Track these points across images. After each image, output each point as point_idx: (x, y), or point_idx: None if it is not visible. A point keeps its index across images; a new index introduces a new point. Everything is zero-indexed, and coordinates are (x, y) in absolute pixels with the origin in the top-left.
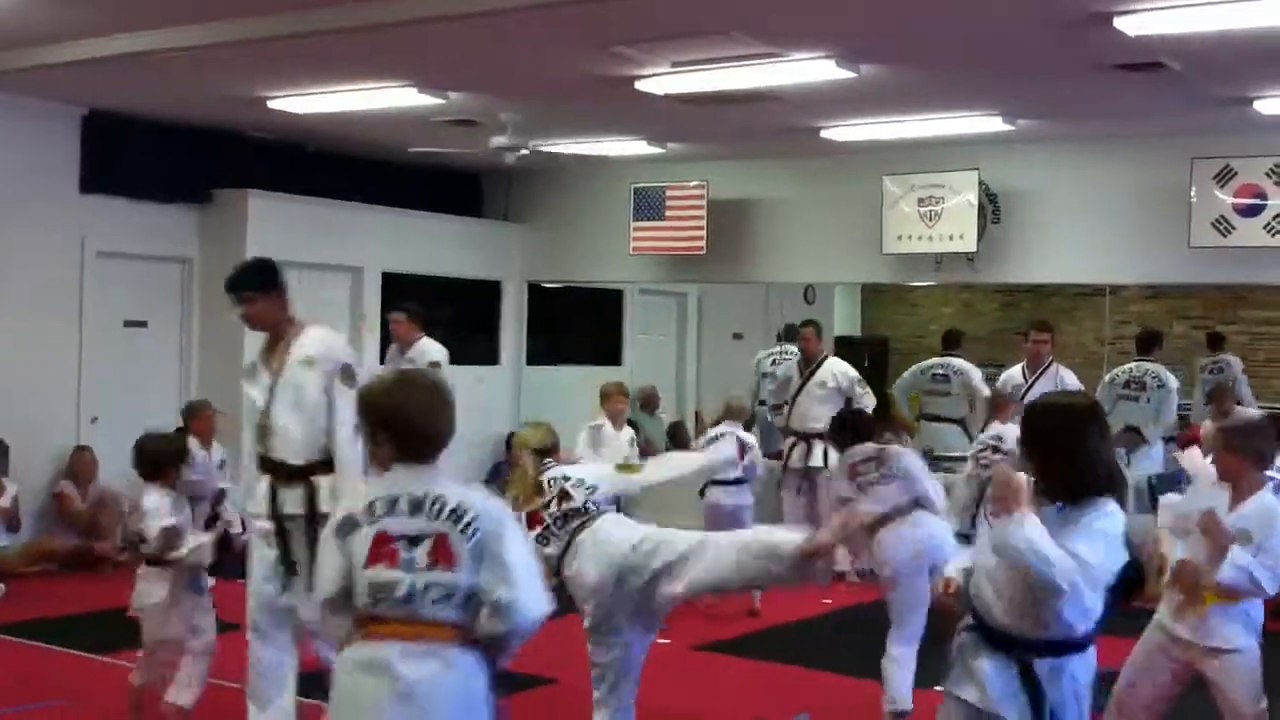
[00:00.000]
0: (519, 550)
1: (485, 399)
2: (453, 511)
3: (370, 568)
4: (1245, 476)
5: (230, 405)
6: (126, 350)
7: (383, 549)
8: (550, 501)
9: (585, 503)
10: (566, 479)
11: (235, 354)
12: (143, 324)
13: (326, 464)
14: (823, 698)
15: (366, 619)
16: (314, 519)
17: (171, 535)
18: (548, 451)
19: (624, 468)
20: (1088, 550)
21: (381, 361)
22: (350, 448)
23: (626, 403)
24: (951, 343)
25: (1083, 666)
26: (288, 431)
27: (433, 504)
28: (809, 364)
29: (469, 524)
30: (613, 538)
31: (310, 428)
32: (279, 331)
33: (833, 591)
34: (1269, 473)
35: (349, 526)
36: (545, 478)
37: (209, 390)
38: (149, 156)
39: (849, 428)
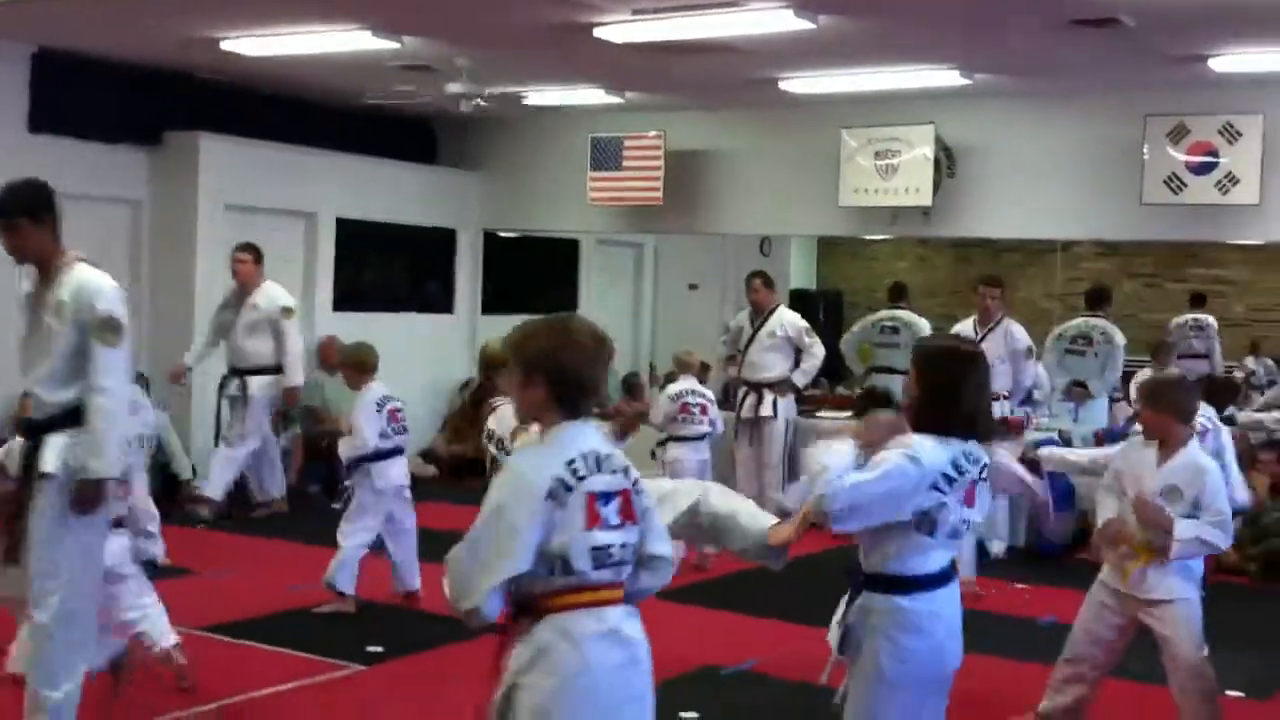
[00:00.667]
0: (654, 505)
1: (440, 347)
2: (626, 468)
3: (590, 530)
4: (1170, 432)
5: (183, 348)
6: None
7: (593, 510)
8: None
9: None
10: None
11: (189, 298)
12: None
13: (67, 419)
14: (771, 646)
15: (575, 587)
16: (29, 480)
17: None
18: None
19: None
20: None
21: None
22: (105, 415)
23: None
24: (898, 295)
25: (903, 608)
26: (34, 382)
27: (608, 459)
28: (759, 314)
29: (638, 480)
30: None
31: (53, 381)
32: (47, 268)
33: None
34: (1203, 420)
35: (560, 489)
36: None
37: (162, 332)
38: (99, 96)
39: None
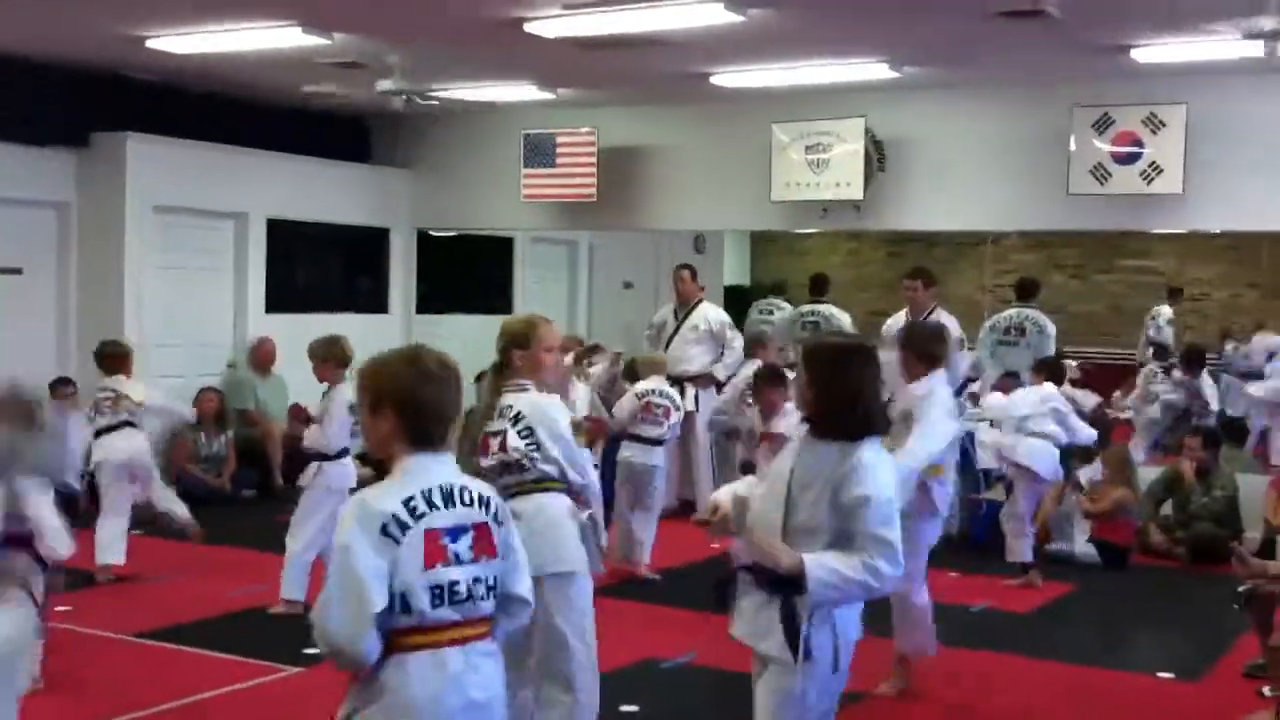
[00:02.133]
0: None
1: (375, 348)
2: (486, 499)
3: (432, 568)
4: (916, 372)
5: None
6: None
7: (435, 546)
8: (498, 434)
9: (530, 455)
10: (517, 420)
11: (117, 302)
12: (18, 270)
13: None
14: (710, 638)
15: (415, 627)
16: None
17: None
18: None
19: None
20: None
21: None
22: None
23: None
24: (819, 288)
25: (852, 614)
26: None
27: (462, 491)
28: (683, 307)
29: (499, 511)
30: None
31: None
32: None
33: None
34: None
35: (394, 526)
36: (505, 399)
37: (89, 338)
38: (23, 97)
39: None
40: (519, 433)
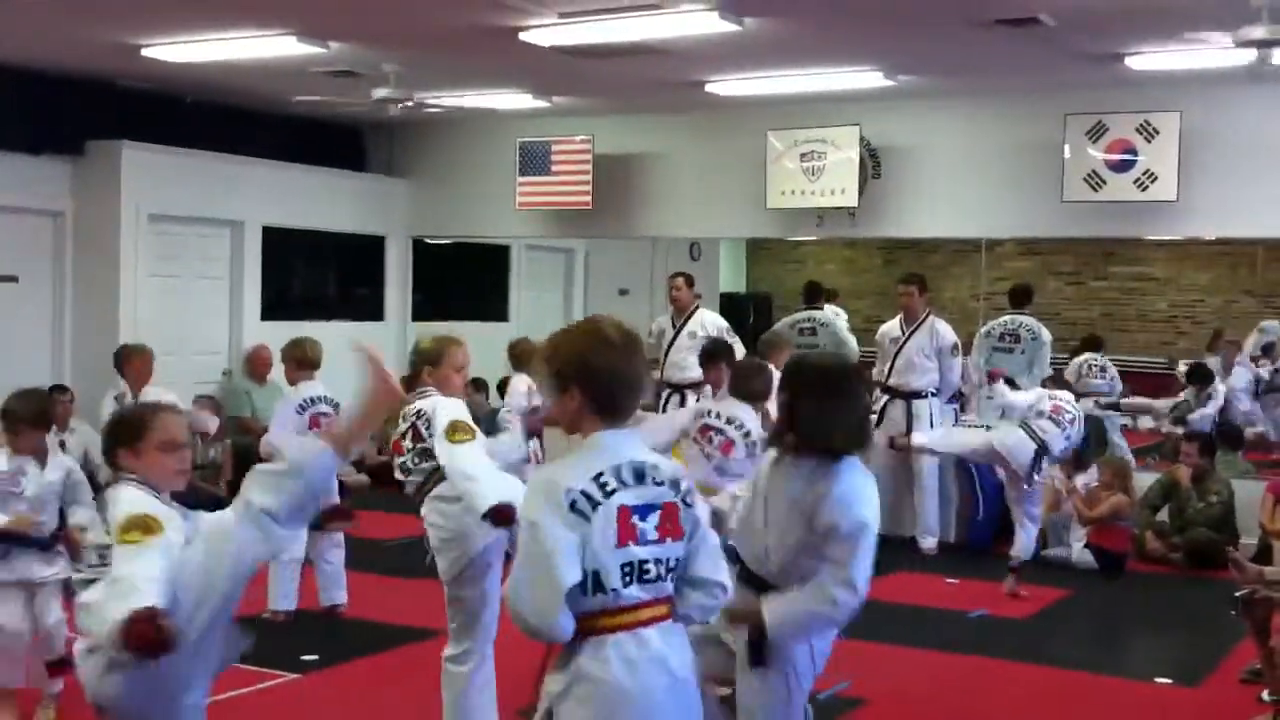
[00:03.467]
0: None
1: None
2: (675, 480)
3: (624, 546)
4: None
5: (107, 361)
6: None
7: (627, 524)
8: (407, 432)
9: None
10: (419, 415)
11: (112, 311)
12: (13, 279)
13: None
14: None
15: (610, 607)
16: None
17: None
18: (423, 359)
19: (455, 428)
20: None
21: None
22: None
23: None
24: (813, 295)
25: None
26: None
27: (653, 468)
28: (680, 315)
29: (690, 492)
30: None
31: None
32: None
33: None
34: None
35: (583, 502)
36: (410, 405)
37: (84, 347)
38: (18, 106)
39: None
40: (424, 428)
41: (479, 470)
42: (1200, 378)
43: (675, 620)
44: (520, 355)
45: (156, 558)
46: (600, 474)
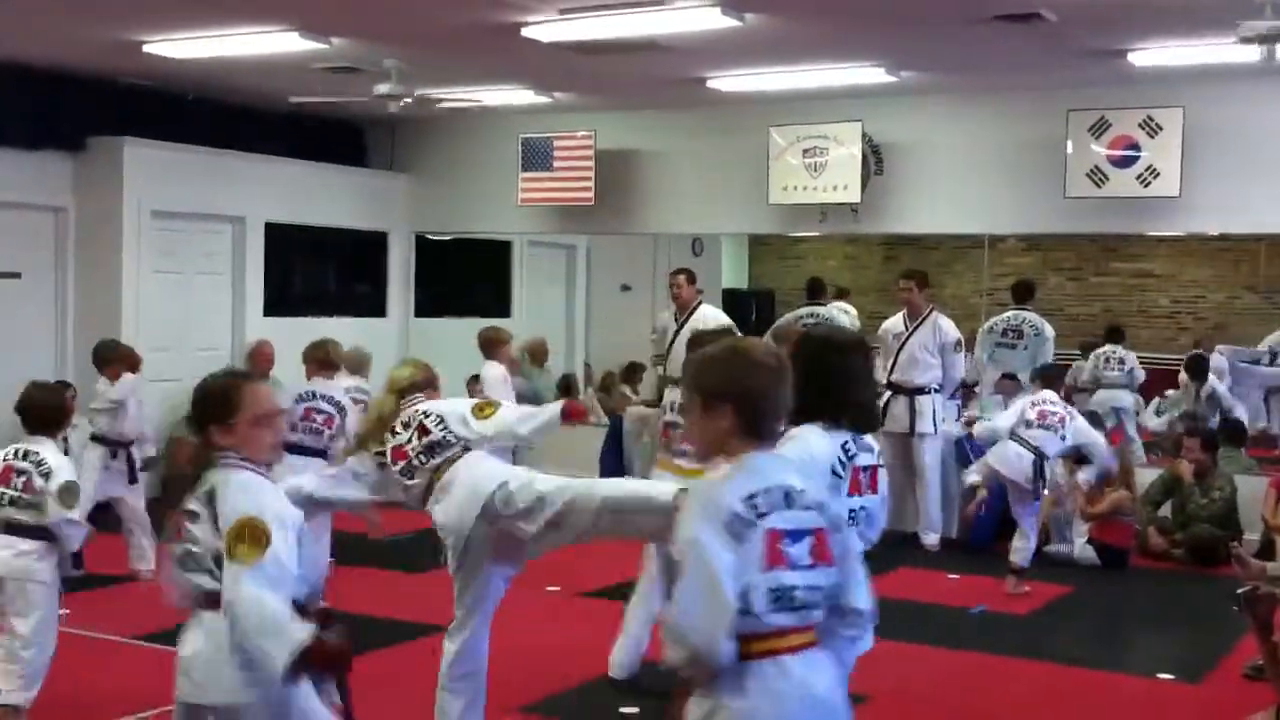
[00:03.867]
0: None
1: (373, 351)
2: (821, 505)
3: (771, 570)
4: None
5: None
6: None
7: (776, 549)
8: (411, 436)
9: (445, 435)
10: (426, 414)
11: (114, 307)
12: (16, 275)
13: None
14: None
15: (755, 632)
16: None
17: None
18: (415, 388)
19: (481, 407)
20: None
21: None
22: None
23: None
24: (816, 291)
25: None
26: None
27: (799, 494)
28: (683, 312)
29: (837, 519)
30: (476, 476)
31: None
32: None
33: None
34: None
35: (738, 523)
36: (404, 416)
37: (87, 343)
38: (20, 102)
39: None
40: (434, 424)
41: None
42: (1198, 372)
43: (820, 648)
44: (488, 344)
45: (276, 574)
46: (752, 495)
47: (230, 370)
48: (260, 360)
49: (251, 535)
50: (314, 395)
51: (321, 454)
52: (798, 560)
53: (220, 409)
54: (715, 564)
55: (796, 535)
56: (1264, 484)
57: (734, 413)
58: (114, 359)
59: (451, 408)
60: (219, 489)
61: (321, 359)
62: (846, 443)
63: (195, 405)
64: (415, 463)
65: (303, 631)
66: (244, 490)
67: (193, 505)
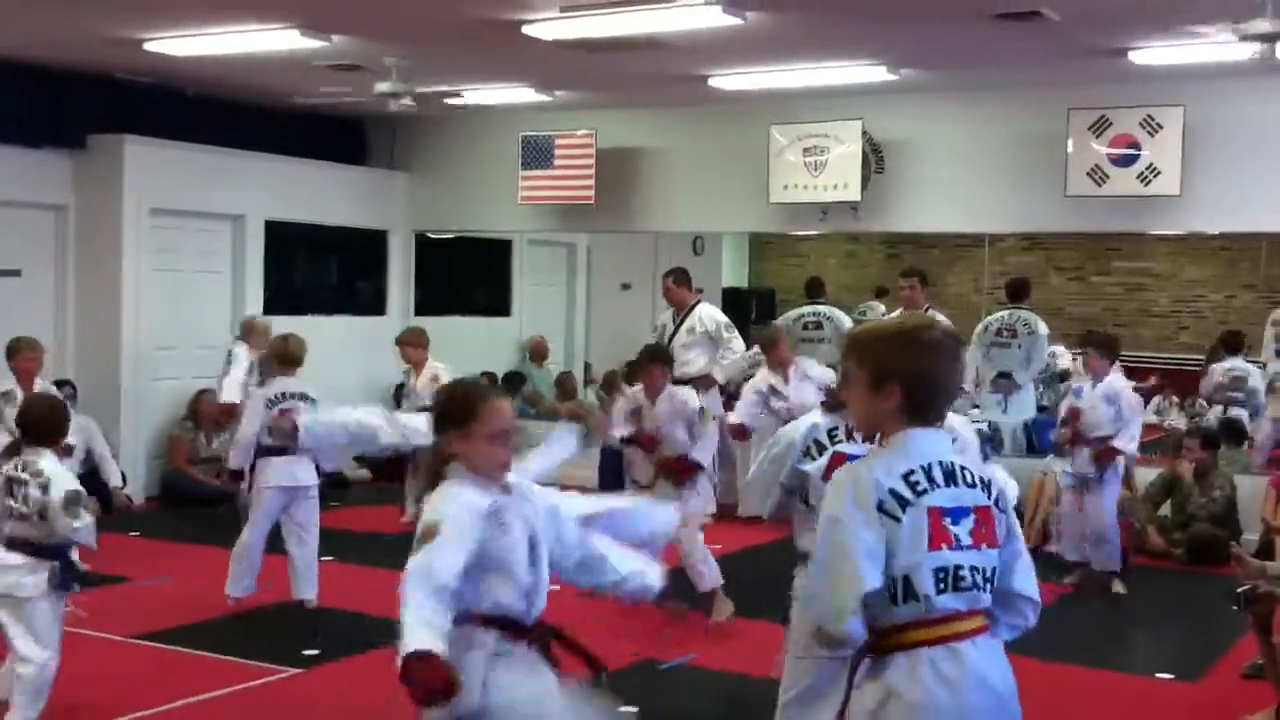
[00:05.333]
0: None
1: (373, 349)
2: (987, 482)
3: (937, 550)
4: None
5: (109, 355)
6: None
7: (939, 527)
8: None
9: None
10: None
11: (114, 305)
12: (16, 273)
13: None
14: (711, 639)
15: (923, 618)
16: None
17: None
18: None
19: None
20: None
21: None
22: None
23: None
24: (816, 290)
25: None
26: None
27: (962, 471)
28: (679, 312)
29: (1000, 497)
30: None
31: None
32: None
33: (726, 534)
34: None
35: (892, 502)
36: None
37: (87, 341)
38: (20, 100)
39: None
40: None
41: None
42: (1233, 347)
43: (990, 635)
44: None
45: (431, 572)
46: (910, 472)
47: (478, 381)
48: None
49: (425, 535)
50: (285, 396)
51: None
52: (960, 539)
53: (461, 416)
54: (852, 543)
55: (958, 513)
56: (1264, 484)
57: (901, 393)
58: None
59: None
60: (431, 498)
61: (282, 354)
62: None
63: (438, 406)
64: None
65: (422, 640)
66: (443, 496)
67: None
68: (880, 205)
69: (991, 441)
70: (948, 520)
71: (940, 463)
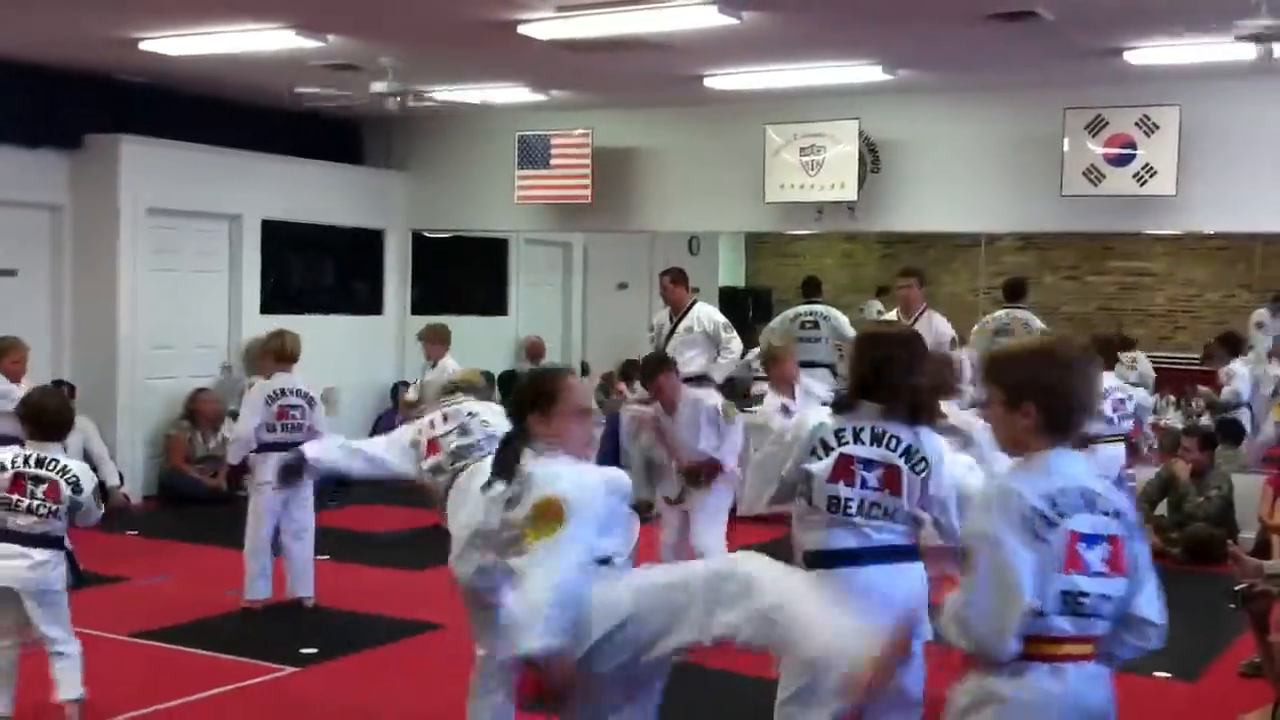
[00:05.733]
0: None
1: (369, 349)
2: (1119, 512)
3: (1068, 573)
4: None
5: (106, 355)
6: None
7: (1074, 551)
8: (451, 432)
9: (479, 440)
10: (472, 414)
11: (111, 305)
12: (12, 273)
13: None
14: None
15: (1035, 635)
16: None
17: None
18: (466, 390)
19: None
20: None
21: None
22: None
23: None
24: (813, 289)
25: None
26: None
27: (1099, 498)
28: (676, 311)
29: (1133, 525)
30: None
31: None
32: None
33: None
34: None
35: (1040, 523)
36: (450, 408)
37: (83, 341)
38: (15, 100)
39: None
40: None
41: None
42: (1231, 345)
43: (1098, 661)
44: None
45: (561, 561)
46: (1053, 494)
47: (554, 365)
48: (260, 356)
49: (552, 513)
50: (284, 392)
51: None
52: (1091, 566)
53: (542, 400)
54: (1014, 561)
55: (1093, 540)
56: (1260, 482)
57: (1037, 410)
58: None
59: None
60: (534, 475)
61: (278, 351)
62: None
63: (518, 393)
64: (444, 463)
65: (545, 641)
66: (552, 474)
67: (511, 492)
68: (876, 205)
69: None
70: (1082, 545)
71: (1081, 488)
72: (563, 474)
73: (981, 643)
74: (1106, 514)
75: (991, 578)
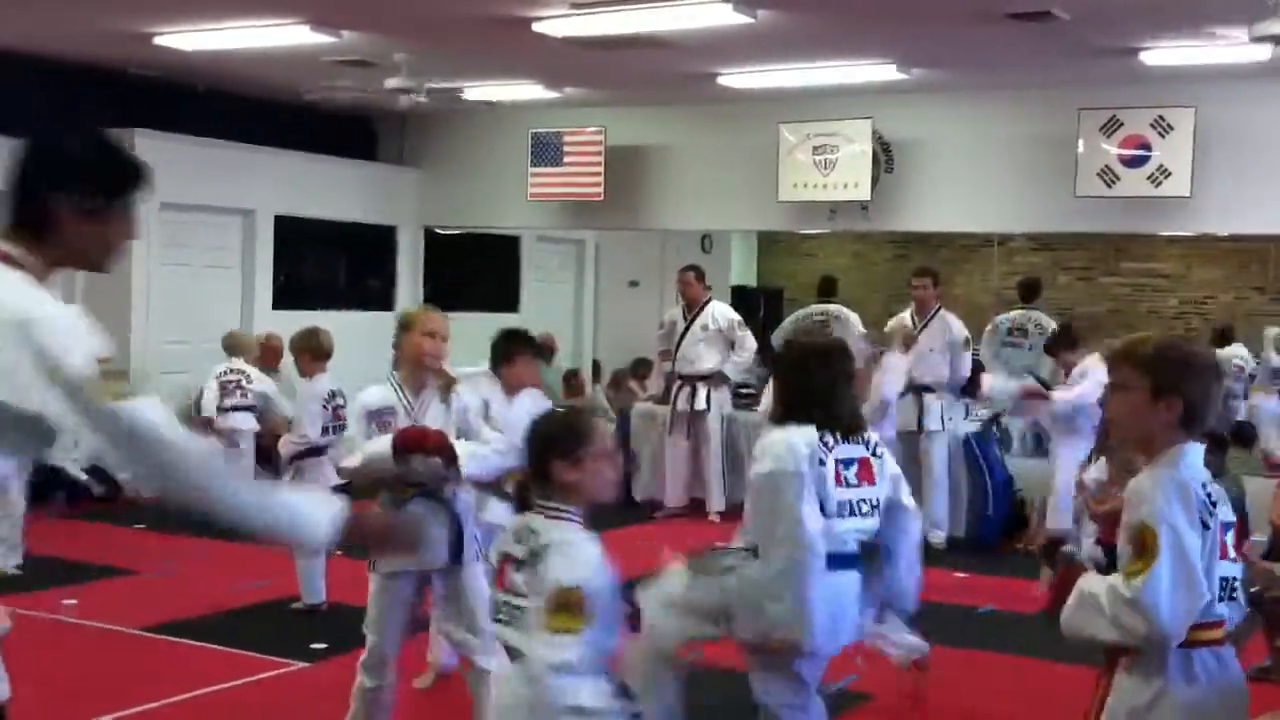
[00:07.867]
0: None
1: (381, 345)
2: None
3: (1221, 559)
4: None
5: (118, 350)
6: None
7: (1222, 538)
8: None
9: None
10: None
11: (124, 299)
12: None
13: None
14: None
15: (1201, 620)
16: None
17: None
18: None
19: None
20: None
21: None
22: None
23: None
24: (828, 290)
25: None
26: None
27: (1216, 491)
28: (692, 309)
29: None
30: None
31: None
32: None
33: (728, 534)
34: None
35: (1205, 510)
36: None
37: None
38: (29, 94)
39: None
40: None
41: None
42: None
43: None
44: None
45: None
46: (1208, 485)
47: (568, 406)
48: (269, 353)
49: (573, 607)
50: (334, 394)
51: None
52: (1230, 551)
53: (570, 442)
54: (1192, 550)
55: (1228, 526)
56: (1272, 485)
57: (1183, 406)
58: None
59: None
60: (551, 546)
61: (315, 349)
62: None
63: (540, 440)
64: None
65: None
66: (570, 554)
67: (520, 553)
68: (890, 205)
69: (1000, 441)
70: (1229, 534)
71: (1206, 484)
72: (581, 556)
73: (1167, 630)
74: (1226, 504)
75: (1178, 568)
